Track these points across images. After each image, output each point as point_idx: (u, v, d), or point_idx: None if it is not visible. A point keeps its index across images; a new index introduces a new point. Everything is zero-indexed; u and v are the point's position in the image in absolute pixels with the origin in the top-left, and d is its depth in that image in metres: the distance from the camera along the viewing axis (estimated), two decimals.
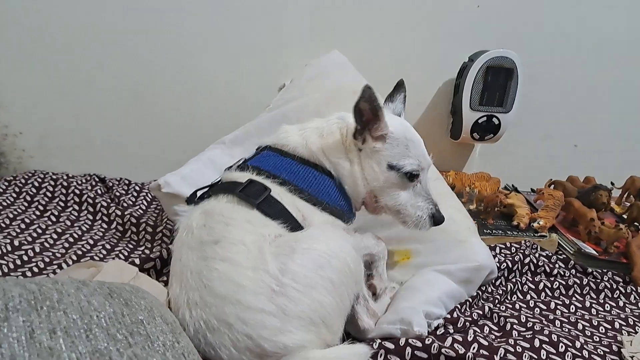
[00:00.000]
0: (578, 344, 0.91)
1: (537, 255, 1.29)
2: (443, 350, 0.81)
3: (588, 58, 1.81)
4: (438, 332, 0.92)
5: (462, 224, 1.18)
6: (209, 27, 1.60)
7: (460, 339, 0.85)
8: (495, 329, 0.99)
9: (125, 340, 0.50)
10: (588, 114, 1.90)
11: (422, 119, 1.79)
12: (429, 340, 0.82)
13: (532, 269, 1.27)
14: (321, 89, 1.40)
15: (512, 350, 0.86)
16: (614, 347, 0.93)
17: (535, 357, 0.86)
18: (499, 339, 0.93)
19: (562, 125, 1.90)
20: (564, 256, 1.35)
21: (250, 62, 1.66)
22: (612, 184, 1.79)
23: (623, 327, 1.04)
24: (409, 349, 0.81)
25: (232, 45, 1.63)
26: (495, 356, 0.82)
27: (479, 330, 0.95)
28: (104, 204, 1.31)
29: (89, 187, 1.43)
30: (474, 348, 0.84)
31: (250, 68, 1.66)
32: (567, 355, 0.89)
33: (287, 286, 0.70)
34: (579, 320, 1.05)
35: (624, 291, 1.22)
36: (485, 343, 0.86)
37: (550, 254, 1.33)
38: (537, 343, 0.90)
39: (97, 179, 1.50)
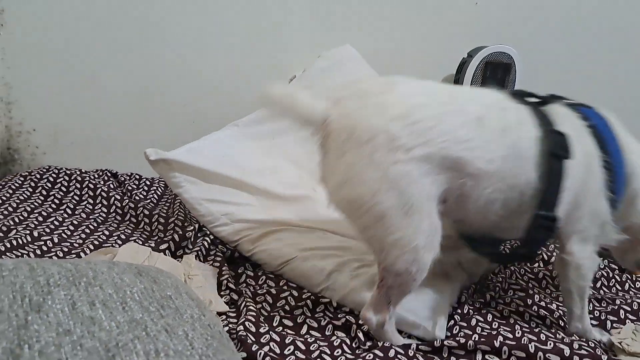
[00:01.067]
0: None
1: None
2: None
3: (585, 54, 1.85)
4: None
5: None
6: (215, 22, 1.66)
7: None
8: (498, 315, 1.03)
9: (157, 312, 0.54)
10: None
11: None
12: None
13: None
14: (336, 78, 1.46)
15: (511, 336, 0.91)
16: None
17: (535, 338, 0.90)
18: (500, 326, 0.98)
19: None
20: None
21: (257, 55, 1.71)
22: None
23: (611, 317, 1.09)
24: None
25: (238, 39, 1.68)
26: (495, 342, 0.87)
27: (481, 319, 1.00)
28: (117, 197, 1.35)
29: (102, 182, 1.48)
30: (474, 337, 0.89)
31: (257, 61, 1.72)
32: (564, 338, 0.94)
33: None
34: None
35: (619, 279, 1.27)
36: (485, 332, 0.91)
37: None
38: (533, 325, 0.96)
39: (109, 174, 1.55)
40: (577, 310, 0.96)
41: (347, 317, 0.96)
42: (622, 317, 1.06)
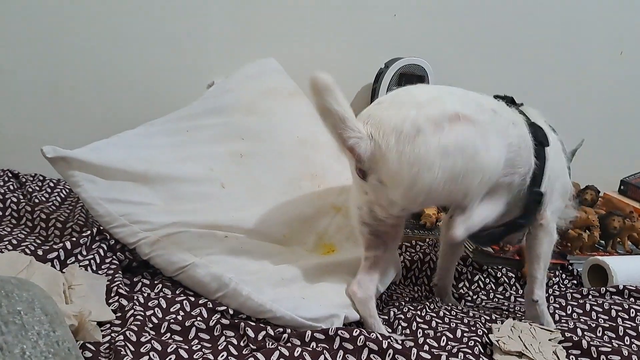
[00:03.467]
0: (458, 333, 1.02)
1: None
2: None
3: (493, 67, 1.95)
4: None
5: None
6: (133, 19, 1.62)
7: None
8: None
9: None
10: None
11: None
12: (356, 332, 0.91)
13: (432, 266, 1.37)
14: (258, 85, 1.47)
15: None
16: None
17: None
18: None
19: None
20: (464, 254, 1.46)
21: (176, 57, 1.69)
22: None
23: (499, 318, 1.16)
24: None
25: (156, 38, 1.65)
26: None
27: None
28: (14, 199, 1.30)
29: (1, 183, 1.41)
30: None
31: (175, 63, 1.69)
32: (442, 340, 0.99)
33: None
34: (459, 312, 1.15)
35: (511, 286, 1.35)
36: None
37: None
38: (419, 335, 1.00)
39: (10, 175, 1.49)
40: (539, 276, 1.14)
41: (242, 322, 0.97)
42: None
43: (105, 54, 1.63)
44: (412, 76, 1.72)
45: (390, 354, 0.88)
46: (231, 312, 1.02)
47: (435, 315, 1.11)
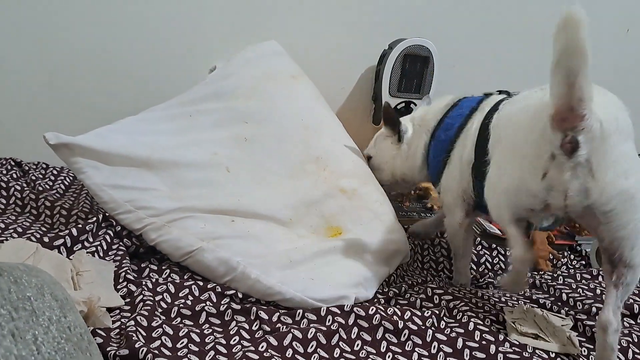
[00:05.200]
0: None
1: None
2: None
3: (499, 47, 1.92)
4: None
5: (388, 206, 1.28)
6: (132, 7, 1.59)
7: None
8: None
9: (8, 315, 0.52)
10: None
11: (345, 105, 1.85)
12: (372, 310, 0.92)
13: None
14: (260, 69, 1.45)
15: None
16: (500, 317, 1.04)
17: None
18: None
19: None
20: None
21: (175, 43, 1.67)
22: None
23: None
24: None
25: (155, 24, 1.63)
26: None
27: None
28: (18, 187, 1.29)
29: (4, 172, 1.40)
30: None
31: (175, 49, 1.67)
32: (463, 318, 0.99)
33: None
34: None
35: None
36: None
37: None
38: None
39: (12, 163, 1.47)
40: None
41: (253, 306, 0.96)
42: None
43: (104, 40, 1.60)
44: (416, 57, 1.69)
45: (405, 334, 0.88)
46: (240, 296, 1.02)
47: (451, 297, 1.11)
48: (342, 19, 1.75)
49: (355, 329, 0.90)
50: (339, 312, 0.93)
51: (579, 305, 1.12)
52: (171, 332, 0.85)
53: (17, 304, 0.54)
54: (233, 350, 0.84)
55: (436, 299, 1.08)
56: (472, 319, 0.99)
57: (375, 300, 1.10)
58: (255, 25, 1.71)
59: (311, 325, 0.91)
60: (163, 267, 1.09)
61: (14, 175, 1.40)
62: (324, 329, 0.89)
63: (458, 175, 1.13)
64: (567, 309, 1.11)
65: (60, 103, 1.61)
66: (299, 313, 0.94)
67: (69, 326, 0.56)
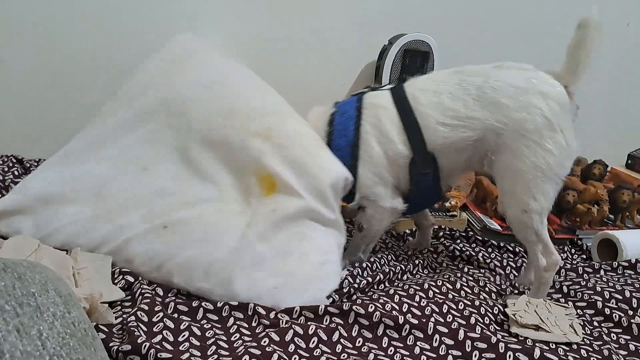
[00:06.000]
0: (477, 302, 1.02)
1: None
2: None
3: (498, 42, 1.92)
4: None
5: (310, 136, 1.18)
6: (134, 9, 1.59)
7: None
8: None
9: (13, 310, 0.52)
10: None
11: None
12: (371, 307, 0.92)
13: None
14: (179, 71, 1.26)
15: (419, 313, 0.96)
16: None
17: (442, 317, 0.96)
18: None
19: None
20: (471, 233, 1.46)
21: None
22: None
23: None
24: None
25: (157, 27, 1.62)
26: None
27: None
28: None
29: (6, 169, 1.40)
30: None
31: None
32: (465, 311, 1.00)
33: None
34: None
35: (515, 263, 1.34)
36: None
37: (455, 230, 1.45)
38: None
39: (14, 160, 1.48)
40: None
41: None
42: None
43: (106, 40, 1.60)
44: (416, 52, 1.69)
45: (406, 329, 0.88)
46: None
47: (451, 287, 1.11)
48: (342, 14, 1.75)
49: (356, 327, 0.90)
50: (337, 311, 0.92)
51: (579, 295, 1.13)
52: (172, 326, 0.86)
53: (21, 299, 0.55)
54: (234, 345, 0.85)
55: (433, 291, 1.09)
56: (473, 314, 0.99)
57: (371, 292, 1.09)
58: (255, 19, 1.70)
59: (309, 322, 0.91)
60: None
61: (16, 172, 1.40)
62: (324, 326, 0.89)
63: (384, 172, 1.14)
64: (569, 299, 1.12)
65: (62, 101, 1.61)
66: (296, 310, 0.94)
67: (73, 322, 0.56)
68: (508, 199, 1.10)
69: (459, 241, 1.40)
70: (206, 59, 1.31)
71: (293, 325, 0.87)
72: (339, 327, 0.89)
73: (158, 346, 0.79)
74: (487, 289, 1.14)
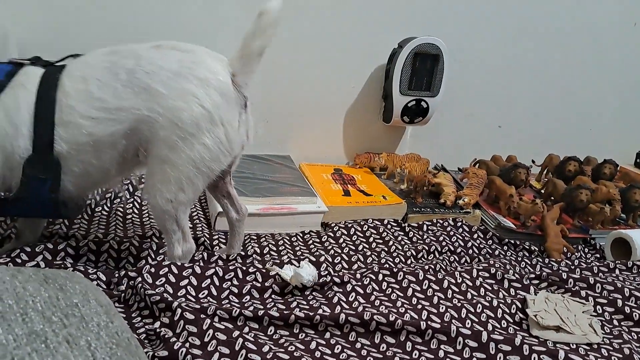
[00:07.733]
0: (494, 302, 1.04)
1: (458, 229, 1.42)
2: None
3: (508, 44, 1.94)
4: None
5: None
6: (137, 9, 1.60)
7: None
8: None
9: (60, 322, 0.53)
10: (510, 96, 2.04)
11: (356, 104, 1.86)
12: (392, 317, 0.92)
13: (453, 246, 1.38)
14: None
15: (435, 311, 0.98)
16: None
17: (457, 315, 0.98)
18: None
19: (486, 108, 2.03)
20: (483, 227, 1.48)
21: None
22: (533, 161, 1.94)
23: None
24: None
25: (160, 27, 1.63)
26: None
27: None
28: None
29: None
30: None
31: None
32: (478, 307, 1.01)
33: None
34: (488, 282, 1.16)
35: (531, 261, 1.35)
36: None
37: (471, 226, 1.47)
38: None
39: None
40: None
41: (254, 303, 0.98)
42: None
43: (110, 40, 1.60)
44: (426, 55, 1.70)
45: (429, 333, 0.89)
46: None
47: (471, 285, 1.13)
48: (352, 18, 1.76)
49: (378, 334, 0.91)
50: (358, 321, 0.93)
51: (598, 288, 1.14)
52: (195, 331, 0.86)
53: (66, 310, 0.56)
54: (263, 350, 0.86)
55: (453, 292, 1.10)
56: (490, 319, 1.00)
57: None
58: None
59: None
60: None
61: None
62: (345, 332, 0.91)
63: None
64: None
65: None
66: (317, 318, 0.94)
67: (117, 331, 0.57)
68: (157, 187, 0.96)
69: (475, 236, 1.42)
70: None
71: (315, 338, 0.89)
72: (359, 337, 0.91)
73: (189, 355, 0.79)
74: (505, 285, 1.15)
